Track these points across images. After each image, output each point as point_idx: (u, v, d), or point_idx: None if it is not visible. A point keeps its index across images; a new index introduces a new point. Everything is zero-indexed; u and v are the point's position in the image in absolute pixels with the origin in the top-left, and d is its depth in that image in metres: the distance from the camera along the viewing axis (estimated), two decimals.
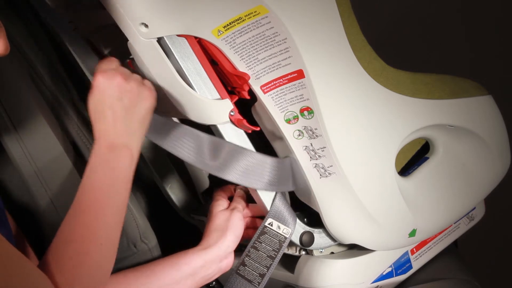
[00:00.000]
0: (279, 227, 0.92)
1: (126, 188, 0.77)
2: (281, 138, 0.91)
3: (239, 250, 1.04)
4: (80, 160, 0.91)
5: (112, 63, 0.80)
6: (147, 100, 0.80)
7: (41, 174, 0.87)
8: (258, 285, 0.90)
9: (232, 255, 0.93)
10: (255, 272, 0.91)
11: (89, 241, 0.71)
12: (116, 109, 0.77)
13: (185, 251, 0.91)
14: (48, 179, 0.88)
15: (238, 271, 0.92)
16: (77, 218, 0.72)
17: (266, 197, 0.93)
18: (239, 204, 0.97)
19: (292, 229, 0.93)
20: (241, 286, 0.91)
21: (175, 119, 0.91)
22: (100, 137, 0.77)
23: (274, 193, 0.93)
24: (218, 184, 1.05)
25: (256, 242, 0.92)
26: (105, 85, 0.77)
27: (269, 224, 0.92)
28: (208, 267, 0.90)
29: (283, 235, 0.92)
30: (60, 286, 0.66)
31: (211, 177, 1.18)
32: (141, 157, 1.12)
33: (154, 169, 1.13)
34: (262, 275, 0.91)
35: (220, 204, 0.97)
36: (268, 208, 0.93)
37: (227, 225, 0.93)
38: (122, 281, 0.85)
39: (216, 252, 0.91)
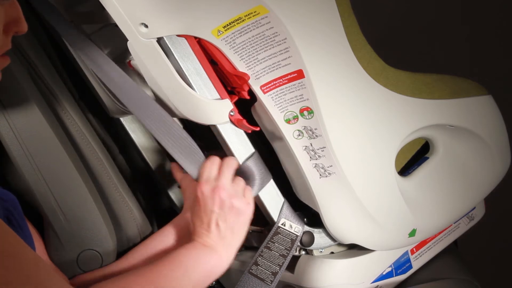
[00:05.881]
0: (291, 226, 0.94)
1: (203, 282, 0.83)
2: (281, 138, 0.91)
3: (251, 249, 1.05)
4: (80, 159, 0.91)
5: (213, 168, 0.86)
6: (244, 216, 0.86)
7: (40, 173, 0.87)
8: (271, 283, 0.92)
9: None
10: (267, 271, 0.92)
11: None
12: (213, 219, 0.84)
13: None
14: (49, 179, 0.88)
15: (251, 270, 0.93)
16: (148, 280, 0.77)
17: (273, 206, 0.94)
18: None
19: (303, 227, 0.94)
20: (254, 285, 0.92)
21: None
22: (197, 236, 0.85)
23: (281, 201, 0.94)
24: None
25: (269, 242, 0.93)
26: (208, 197, 0.85)
27: (282, 224, 0.94)
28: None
29: (295, 234, 0.94)
30: None
31: None
32: (142, 157, 1.12)
33: (155, 169, 1.13)
34: (274, 274, 0.92)
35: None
36: (275, 218, 0.94)
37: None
38: (137, 275, 0.84)
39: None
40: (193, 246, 0.84)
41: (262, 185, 0.92)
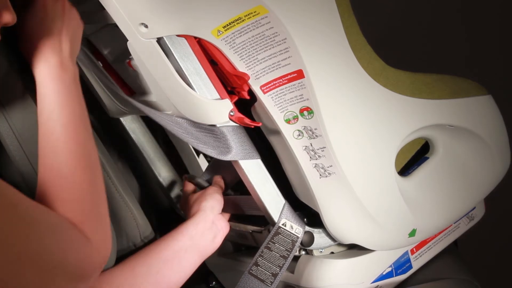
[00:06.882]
0: (292, 227, 0.93)
1: (82, 98, 0.75)
2: (280, 138, 0.91)
3: (251, 249, 1.04)
4: None
5: None
6: (81, 26, 0.79)
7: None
8: (271, 285, 0.91)
9: (223, 216, 0.94)
10: (267, 271, 0.92)
11: (75, 163, 0.70)
12: (65, 27, 0.75)
13: (174, 228, 0.91)
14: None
15: (251, 271, 0.92)
16: (59, 147, 0.71)
17: (274, 206, 0.94)
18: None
19: (303, 228, 0.94)
20: (254, 285, 0.92)
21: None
22: (50, 55, 0.73)
23: (282, 202, 0.94)
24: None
25: (269, 242, 0.93)
26: (52, 6, 0.74)
27: (283, 224, 0.93)
28: (202, 231, 0.91)
29: (296, 235, 0.93)
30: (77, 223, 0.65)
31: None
32: (142, 157, 1.12)
33: (155, 169, 1.13)
34: (274, 275, 0.92)
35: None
36: (276, 218, 0.93)
37: (203, 194, 0.96)
38: (126, 266, 0.85)
39: (202, 216, 0.92)
40: (52, 71, 0.72)
41: (240, 155, 0.90)
